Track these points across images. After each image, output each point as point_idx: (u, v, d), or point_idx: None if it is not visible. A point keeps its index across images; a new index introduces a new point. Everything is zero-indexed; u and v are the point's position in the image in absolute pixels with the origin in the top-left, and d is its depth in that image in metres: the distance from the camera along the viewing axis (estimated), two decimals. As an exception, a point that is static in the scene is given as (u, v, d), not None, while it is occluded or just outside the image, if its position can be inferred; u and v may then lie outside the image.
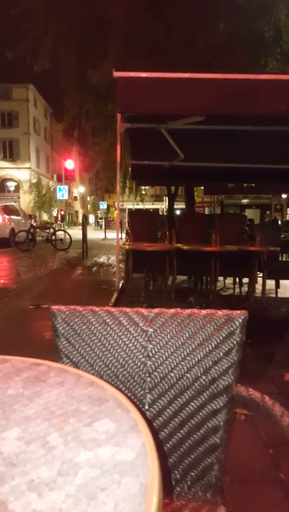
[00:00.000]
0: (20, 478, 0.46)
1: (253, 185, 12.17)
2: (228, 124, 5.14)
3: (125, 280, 5.64)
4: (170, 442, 0.97)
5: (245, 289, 5.74)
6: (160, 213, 20.91)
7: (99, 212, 47.74)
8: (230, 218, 6.75)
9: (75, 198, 55.62)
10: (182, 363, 0.96)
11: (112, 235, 20.88)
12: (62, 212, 33.62)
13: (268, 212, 31.32)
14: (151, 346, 0.97)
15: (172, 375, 0.96)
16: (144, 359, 0.97)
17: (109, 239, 20.09)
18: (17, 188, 37.26)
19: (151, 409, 0.97)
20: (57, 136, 43.12)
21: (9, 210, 15.10)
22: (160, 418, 0.97)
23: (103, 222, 31.50)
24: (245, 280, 5.72)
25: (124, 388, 0.97)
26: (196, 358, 0.95)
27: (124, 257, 5.89)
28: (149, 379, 0.97)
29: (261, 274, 5.21)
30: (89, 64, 8.32)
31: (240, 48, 7.72)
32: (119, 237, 5.62)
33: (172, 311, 0.99)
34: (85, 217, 12.33)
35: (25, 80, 34.43)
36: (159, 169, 7.00)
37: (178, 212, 13.35)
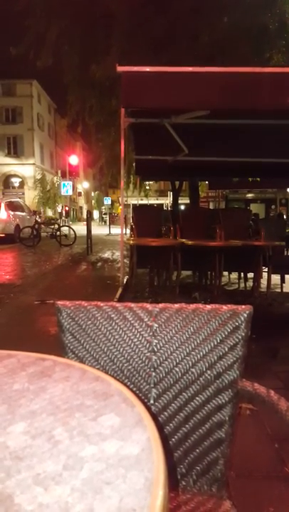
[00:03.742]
0: (26, 472, 0.46)
1: (258, 179, 12.09)
2: (232, 118, 5.10)
3: (130, 275, 5.65)
4: (175, 437, 0.97)
5: (250, 284, 5.73)
6: (164, 208, 20.88)
7: (103, 207, 47.72)
8: (234, 213, 6.73)
9: (80, 194, 55.62)
10: (187, 357, 0.96)
11: (116, 230, 20.90)
12: (67, 208, 33.61)
13: (273, 207, 31.13)
14: (156, 341, 0.97)
15: (177, 369, 0.96)
16: (149, 354, 0.97)
17: (113, 234, 20.09)
18: (21, 184, 37.31)
19: (156, 403, 0.97)
20: (61, 132, 43.15)
21: (14, 206, 15.12)
22: (165, 413, 0.97)
23: (107, 218, 31.49)
24: (250, 275, 5.71)
25: (129, 383, 0.97)
26: (201, 353, 0.95)
27: (129, 253, 5.89)
28: (154, 374, 0.97)
29: (266, 269, 5.20)
30: (92, 59, 8.30)
31: (244, 42, 7.65)
32: (124, 232, 5.61)
33: (177, 306, 0.99)
34: (90, 213, 12.33)
35: (28, 76, 34.36)
36: (164, 164, 6.97)
37: (182, 207, 13.32)
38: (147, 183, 28.19)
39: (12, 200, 16.59)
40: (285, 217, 16.34)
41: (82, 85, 9.44)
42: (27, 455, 0.50)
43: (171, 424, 0.97)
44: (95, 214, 51.12)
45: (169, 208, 19.68)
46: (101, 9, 8.05)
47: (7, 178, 37.44)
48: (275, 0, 7.65)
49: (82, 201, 58.23)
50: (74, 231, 13.49)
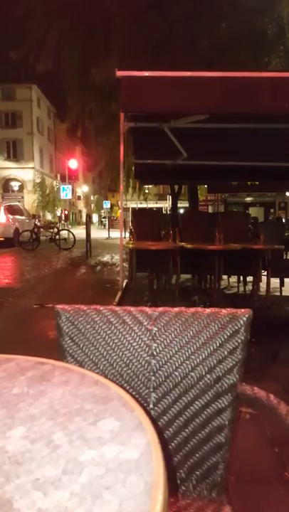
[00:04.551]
0: (25, 477, 0.46)
1: (257, 183, 12.12)
2: (231, 122, 5.12)
3: (129, 279, 5.64)
4: (175, 441, 0.97)
5: (249, 287, 5.72)
6: (164, 212, 20.91)
7: (102, 211, 47.82)
8: (234, 216, 6.73)
9: (79, 198, 55.65)
10: (187, 361, 0.96)
11: (115, 234, 20.90)
12: (66, 212, 33.67)
13: (272, 210, 31.20)
14: (155, 345, 0.97)
15: (177, 373, 0.96)
16: (148, 358, 0.97)
17: (112, 238, 20.10)
18: (21, 188, 37.35)
19: (155, 408, 0.97)
20: (60, 136, 43.23)
21: (13, 210, 15.14)
22: (165, 417, 0.97)
23: (107, 222, 31.53)
24: (250, 278, 5.70)
25: (128, 387, 0.97)
26: (201, 357, 0.95)
27: (128, 256, 5.89)
28: (153, 378, 0.97)
29: (265, 273, 5.20)
30: (92, 63, 8.34)
31: (243, 46, 7.69)
32: (123, 236, 5.61)
33: (176, 309, 0.99)
34: (89, 217, 12.34)
35: (28, 80, 34.37)
36: (163, 168, 6.99)
37: (181, 210, 13.33)
38: (146, 186, 28.24)
39: (11, 203, 16.62)
40: (283, 220, 16.36)
41: (82, 89, 9.47)
42: (26, 460, 0.49)
43: (170, 429, 0.97)
44: (95, 218, 51.14)
45: (168, 212, 19.70)
46: (101, 13, 8.09)
47: (6, 182, 37.47)
48: (273, 5, 7.70)
49: (81, 205, 58.25)
50: (73, 235, 13.50)
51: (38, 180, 37.18)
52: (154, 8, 7.69)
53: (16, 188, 37.28)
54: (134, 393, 0.96)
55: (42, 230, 15.12)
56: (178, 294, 5.08)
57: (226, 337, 0.94)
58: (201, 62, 7.77)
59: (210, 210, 23.91)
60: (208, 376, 0.95)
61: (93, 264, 9.45)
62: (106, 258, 10.86)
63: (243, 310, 0.96)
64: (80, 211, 56.85)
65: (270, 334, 3.64)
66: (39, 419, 0.58)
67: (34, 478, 0.46)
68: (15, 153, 37.23)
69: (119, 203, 5.80)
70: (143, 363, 0.97)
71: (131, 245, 5.14)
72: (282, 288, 5.47)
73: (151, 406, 0.97)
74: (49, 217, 37.31)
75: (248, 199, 32.19)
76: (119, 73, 3.86)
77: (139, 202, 26.99)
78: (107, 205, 36.70)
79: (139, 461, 0.48)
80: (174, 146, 5.57)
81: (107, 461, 0.49)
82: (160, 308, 0.99)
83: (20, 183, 37.38)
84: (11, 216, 14.33)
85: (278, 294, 5.47)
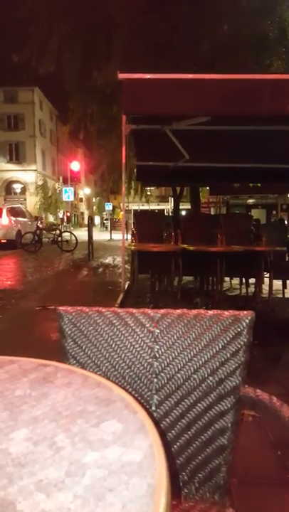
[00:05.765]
0: (28, 479, 0.46)
1: (259, 185, 12.11)
2: (232, 124, 5.13)
3: (131, 281, 5.64)
4: (177, 443, 0.97)
5: (251, 289, 5.72)
6: (165, 214, 20.89)
7: (104, 213, 47.86)
8: (236, 218, 6.73)
9: (81, 200, 55.81)
10: (189, 363, 0.96)
11: (117, 236, 20.91)
12: (68, 214, 33.75)
13: (274, 212, 31.12)
14: (157, 347, 0.97)
15: (179, 375, 0.96)
16: (150, 360, 0.97)
17: (114, 240, 20.12)
18: (23, 190, 37.45)
19: (158, 410, 0.97)
20: (62, 138, 43.32)
21: (15, 212, 15.18)
22: (167, 419, 0.97)
23: (109, 224, 31.58)
24: (252, 280, 5.70)
25: (131, 389, 0.97)
26: (203, 359, 0.95)
27: (130, 258, 5.89)
28: (156, 380, 0.96)
29: (268, 275, 5.19)
30: (93, 66, 8.35)
31: (244, 48, 7.69)
32: (125, 238, 5.61)
33: (178, 311, 0.99)
34: (91, 219, 12.36)
35: (30, 83, 34.56)
36: (165, 170, 6.99)
37: (183, 212, 13.33)
38: (148, 188, 28.23)
39: (14, 206, 16.66)
40: (286, 222, 16.35)
41: (84, 92, 9.49)
42: (29, 461, 0.49)
43: (173, 431, 0.97)
44: (97, 220, 51.26)
45: (170, 214, 19.68)
46: (102, 16, 8.11)
47: (9, 184, 37.57)
48: (274, 7, 7.70)
49: (83, 207, 58.36)
50: (75, 237, 13.51)
51: (40, 183, 37.29)
52: (156, 10, 7.70)
53: (18, 190, 37.39)
54: (136, 395, 0.96)
55: (44, 232, 15.15)
56: (180, 296, 5.08)
57: (228, 339, 0.94)
58: (202, 64, 7.78)
59: (212, 212, 23.87)
60: (211, 378, 0.94)
61: (95, 266, 9.46)
62: (108, 260, 10.87)
63: (245, 312, 0.95)
64: (82, 213, 56.96)
65: (273, 336, 3.64)
66: (42, 421, 0.58)
67: (37, 480, 0.46)
68: (17, 155, 37.36)
69: (121, 205, 5.80)
70: (145, 364, 0.97)
71: (133, 247, 5.15)
72: (285, 290, 5.46)
73: (153, 408, 0.97)
74: (51, 219, 37.40)
75: (250, 201, 32.11)
76: (121, 75, 3.86)
77: (141, 204, 27.00)
78: (109, 207, 36.80)
79: (142, 463, 0.48)
80: (176, 148, 5.57)
81: (109, 463, 0.49)
82: (162, 310, 0.99)
83: (22, 185, 37.48)
84: (13, 218, 14.38)
85: (281, 296, 5.46)
